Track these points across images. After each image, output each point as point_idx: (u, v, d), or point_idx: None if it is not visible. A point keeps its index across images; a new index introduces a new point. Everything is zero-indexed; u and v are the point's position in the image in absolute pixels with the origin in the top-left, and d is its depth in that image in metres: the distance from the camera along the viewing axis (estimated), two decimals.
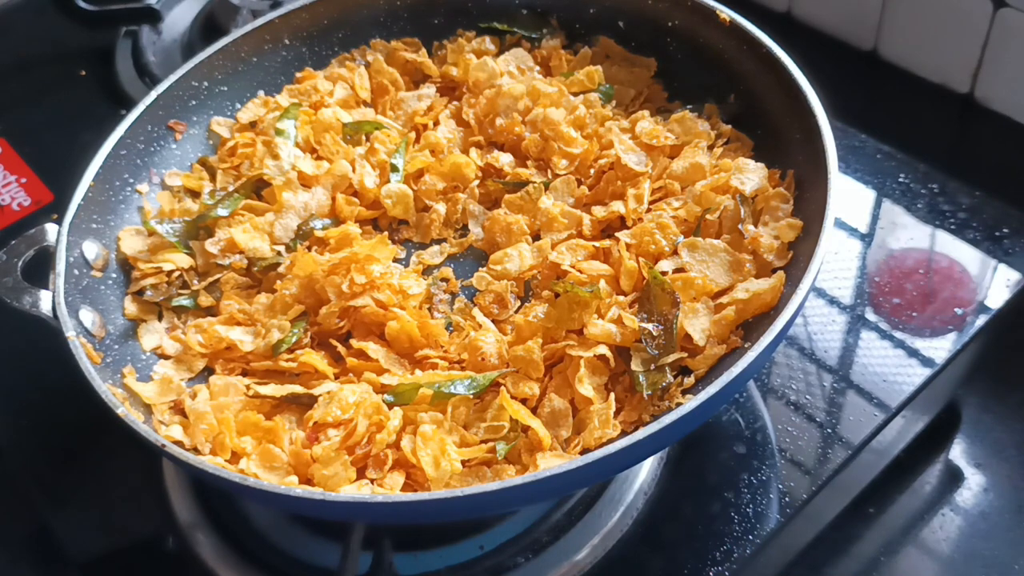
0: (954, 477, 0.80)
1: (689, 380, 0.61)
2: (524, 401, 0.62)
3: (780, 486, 0.69)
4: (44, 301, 0.65)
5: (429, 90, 0.85)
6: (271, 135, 0.81)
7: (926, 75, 0.97)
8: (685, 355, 0.62)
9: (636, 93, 0.82)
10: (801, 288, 0.58)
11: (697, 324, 0.63)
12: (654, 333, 0.62)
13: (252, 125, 0.84)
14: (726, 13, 0.77)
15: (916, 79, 0.97)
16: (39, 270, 0.67)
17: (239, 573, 0.68)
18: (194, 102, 0.82)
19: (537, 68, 0.85)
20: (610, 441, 0.57)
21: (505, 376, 0.63)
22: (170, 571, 0.70)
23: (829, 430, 0.72)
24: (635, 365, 0.62)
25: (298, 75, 0.87)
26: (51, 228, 0.70)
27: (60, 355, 0.62)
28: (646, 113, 0.78)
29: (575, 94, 0.81)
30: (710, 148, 0.75)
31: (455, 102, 0.85)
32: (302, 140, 0.81)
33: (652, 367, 0.61)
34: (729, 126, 0.76)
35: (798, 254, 0.65)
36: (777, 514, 0.67)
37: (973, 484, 0.80)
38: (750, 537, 0.66)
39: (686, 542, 0.67)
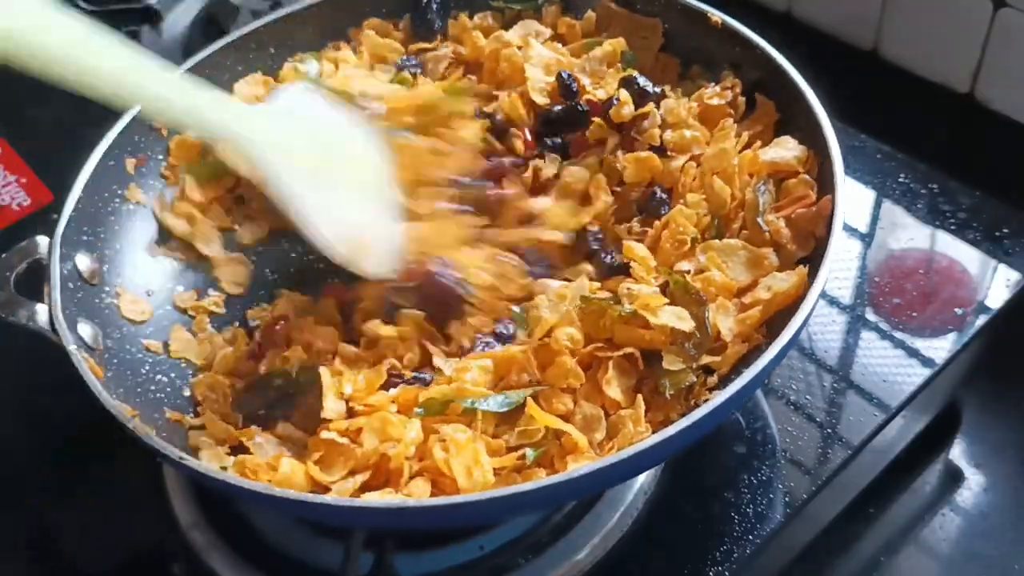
0: (954, 477, 0.80)
1: (712, 379, 0.61)
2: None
3: (780, 486, 0.69)
4: (40, 314, 0.65)
5: (446, 49, 0.84)
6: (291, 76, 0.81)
7: (926, 75, 0.97)
8: (718, 358, 0.62)
9: (654, 62, 0.81)
10: (813, 291, 0.59)
11: (726, 322, 0.62)
12: (688, 332, 0.62)
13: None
14: (717, 16, 0.77)
15: (916, 79, 0.97)
16: (32, 284, 0.67)
17: (240, 573, 0.68)
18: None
19: (548, 32, 0.84)
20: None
21: (537, 394, 0.63)
22: (170, 571, 0.70)
23: (829, 430, 0.72)
24: (668, 364, 0.61)
25: (298, 58, 0.86)
26: (42, 240, 0.69)
27: (57, 356, 0.62)
28: (667, 88, 0.78)
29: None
30: (738, 123, 0.73)
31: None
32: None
33: (693, 366, 0.61)
34: (743, 98, 0.75)
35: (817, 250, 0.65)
36: (777, 514, 0.68)
37: (973, 484, 0.80)
38: (750, 537, 0.66)
39: (686, 542, 0.67)
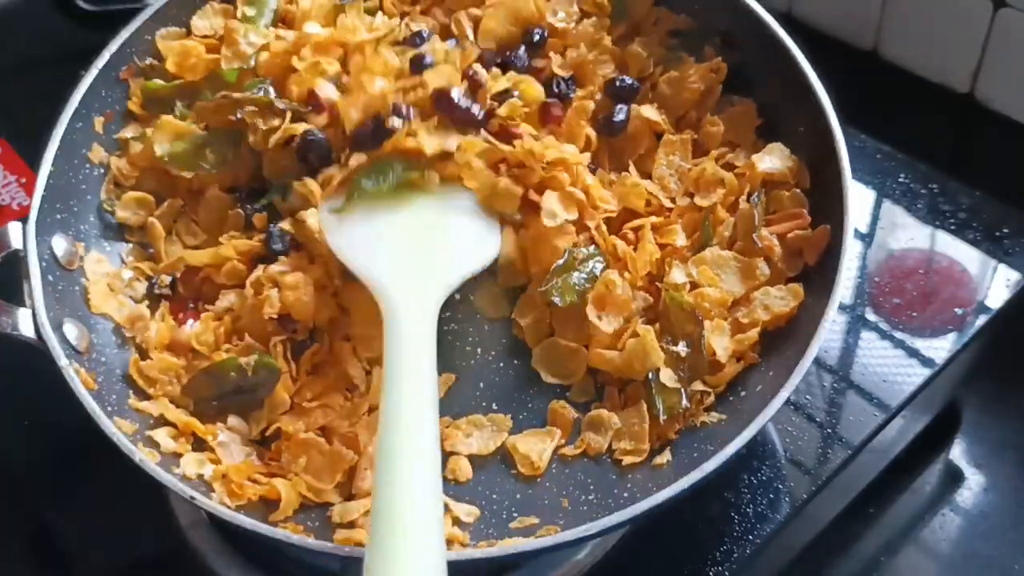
0: (954, 477, 0.80)
1: (710, 399, 0.62)
2: None
3: (780, 486, 0.69)
4: (23, 321, 0.60)
5: None
6: (236, 21, 0.74)
7: (926, 75, 0.97)
8: (715, 390, 0.63)
9: (647, 13, 0.78)
10: (828, 312, 0.59)
11: (721, 343, 0.62)
12: (682, 355, 0.62)
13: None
14: None
15: (916, 79, 0.97)
16: (6, 277, 0.63)
17: (239, 573, 0.68)
18: (149, 58, 0.75)
19: None
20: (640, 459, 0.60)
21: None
22: (170, 571, 0.70)
23: (829, 430, 0.72)
24: (665, 379, 0.61)
25: None
26: (14, 228, 0.63)
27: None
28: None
29: (587, 15, 0.77)
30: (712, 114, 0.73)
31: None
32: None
33: (687, 389, 0.61)
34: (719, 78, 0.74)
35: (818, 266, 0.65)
36: (777, 514, 0.67)
37: (973, 484, 0.80)
38: (750, 537, 0.66)
39: (686, 542, 0.67)
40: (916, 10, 0.94)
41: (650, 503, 0.54)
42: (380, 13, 0.77)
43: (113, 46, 0.73)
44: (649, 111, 0.72)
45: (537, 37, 0.75)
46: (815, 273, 0.64)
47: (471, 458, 0.63)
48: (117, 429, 0.58)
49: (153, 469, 0.57)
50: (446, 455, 0.63)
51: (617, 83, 0.73)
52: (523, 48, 0.74)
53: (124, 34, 0.74)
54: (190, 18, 0.76)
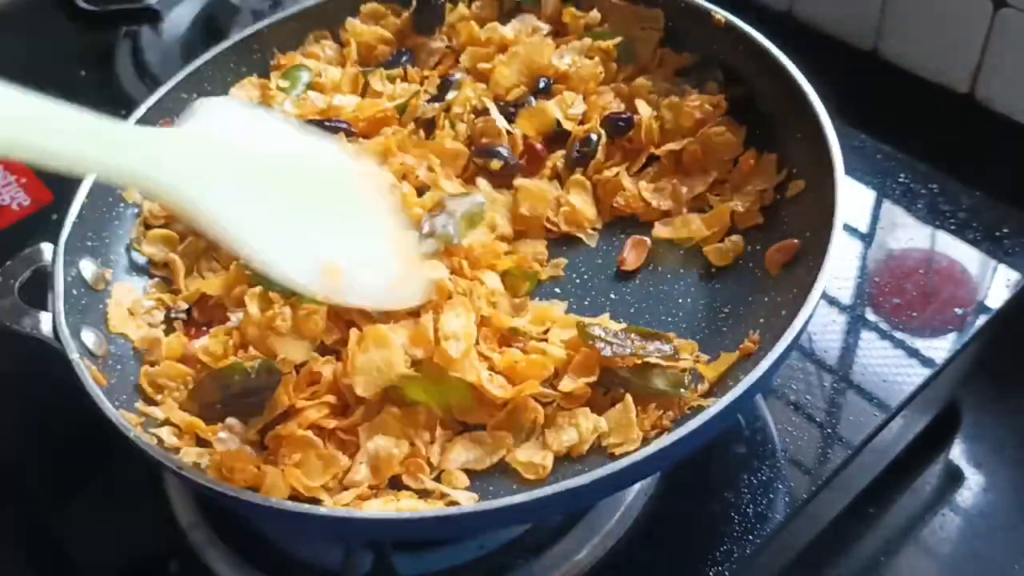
0: (954, 477, 0.80)
1: (703, 387, 0.62)
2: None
3: (780, 486, 0.69)
4: (44, 323, 0.65)
5: (438, 43, 0.84)
6: (272, 90, 0.81)
7: (926, 75, 0.97)
8: (711, 381, 0.63)
9: (652, 55, 0.81)
10: (811, 298, 0.59)
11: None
12: (663, 350, 0.62)
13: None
14: (721, 14, 0.77)
15: (916, 79, 0.97)
16: (36, 291, 0.67)
17: (240, 573, 0.68)
18: (183, 112, 0.81)
19: (546, 28, 0.84)
20: (634, 448, 0.59)
21: None
22: (170, 571, 0.70)
23: (829, 430, 0.72)
24: (659, 383, 0.61)
25: (279, 61, 0.85)
26: (47, 247, 0.69)
27: (61, 357, 0.62)
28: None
29: (590, 58, 0.81)
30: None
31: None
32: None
33: (675, 385, 0.62)
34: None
35: (807, 259, 0.65)
36: (777, 514, 0.67)
37: (973, 484, 0.80)
38: (750, 537, 0.66)
39: (686, 542, 0.67)
40: (916, 10, 0.94)
41: (680, 433, 0.54)
42: (399, 80, 0.83)
43: (151, 100, 0.79)
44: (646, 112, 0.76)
45: (543, 84, 0.79)
46: (800, 266, 0.66)
47: (468, 472, 0.63)
48: (118, 415, 0.59)
49: (146, 445, 0.58)
50: (441, 471, 0.62)
51: (612, 117, 0.77)
52: (532, 97, 0.79)
53: (162, 90, 0.80)
54: (224, 77, 0.83)
